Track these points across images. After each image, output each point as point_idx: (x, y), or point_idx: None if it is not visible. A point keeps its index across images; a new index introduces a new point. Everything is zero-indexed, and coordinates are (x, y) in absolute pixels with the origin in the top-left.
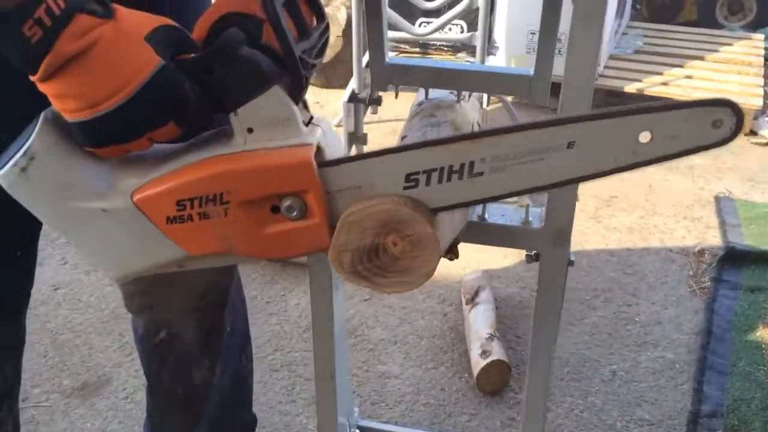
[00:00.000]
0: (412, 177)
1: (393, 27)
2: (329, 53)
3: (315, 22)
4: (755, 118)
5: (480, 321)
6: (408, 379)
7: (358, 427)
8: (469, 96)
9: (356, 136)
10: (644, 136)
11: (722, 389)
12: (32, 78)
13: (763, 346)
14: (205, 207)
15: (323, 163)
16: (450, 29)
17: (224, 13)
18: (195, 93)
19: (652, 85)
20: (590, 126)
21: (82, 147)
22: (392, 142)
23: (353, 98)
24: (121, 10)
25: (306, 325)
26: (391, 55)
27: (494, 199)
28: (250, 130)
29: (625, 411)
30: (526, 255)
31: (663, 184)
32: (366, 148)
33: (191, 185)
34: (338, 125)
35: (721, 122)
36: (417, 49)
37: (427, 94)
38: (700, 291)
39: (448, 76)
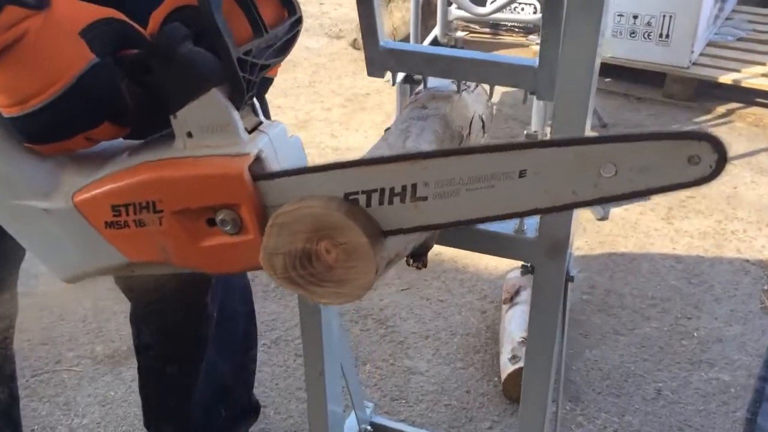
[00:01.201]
0: (350, 196)
1: (459, 5)
2: (404, 30)
3: (287, 15)
4: None
5: (515, 323)
6: (434, 377)
7: (371, 424)
8: (476, 86)
9: None
10: (607, 169)
11: None
12: None
13: None
14: (140, 214)
15: (259, 176)
16: (523, 9)
17: (179, 5)
18: (133, 93)
19: (751, 76)
20: (542, 154)
21: (23, 140)
22: None
23: (409, 79)
24: (59, 1)
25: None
26: (460, 35)
27: (441, 227)
28: (189, 135)
29: None
30: (522, 266)
31: (750, 186)
32: None
33: (125, 190)
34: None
35: (698, 158)
36: (487, 30)
37: (425, 82)
38: (765, 308)
39: (444, 63)
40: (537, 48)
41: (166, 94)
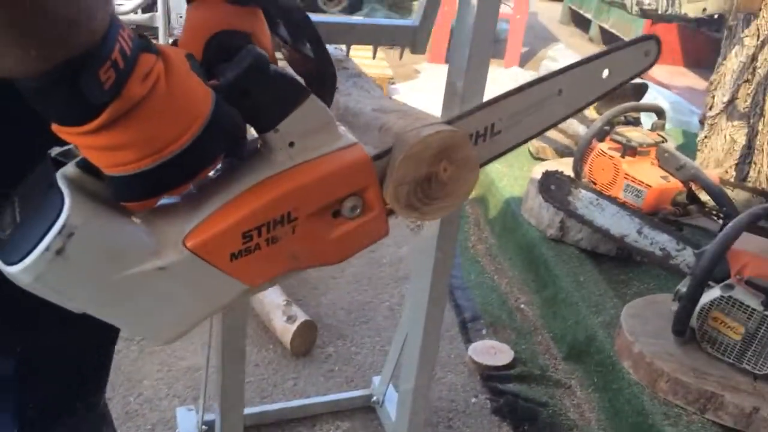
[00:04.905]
0: None
1: None
2: None
3: None
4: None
5: (269, 290)
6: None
7: (205, 423)
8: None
9: None
10: (605, 73)
11: (471, 299)
12: (74, 130)
13: (479, 259)
14: (274, 231)
15: (373, 157)
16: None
17: (215, 32)
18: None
19: None
20: (573, 73)
21: (120, 203)
22: None
23: None
24: (156, 43)
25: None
26: None
27: (504, 153)
28: (291, 144)
29: None
30: None
31: None
32: None
33: (257, 213)
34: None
35: (649, 51)
36: None
37: None
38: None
39: (340, 30)
40: None
41: (265, 112)
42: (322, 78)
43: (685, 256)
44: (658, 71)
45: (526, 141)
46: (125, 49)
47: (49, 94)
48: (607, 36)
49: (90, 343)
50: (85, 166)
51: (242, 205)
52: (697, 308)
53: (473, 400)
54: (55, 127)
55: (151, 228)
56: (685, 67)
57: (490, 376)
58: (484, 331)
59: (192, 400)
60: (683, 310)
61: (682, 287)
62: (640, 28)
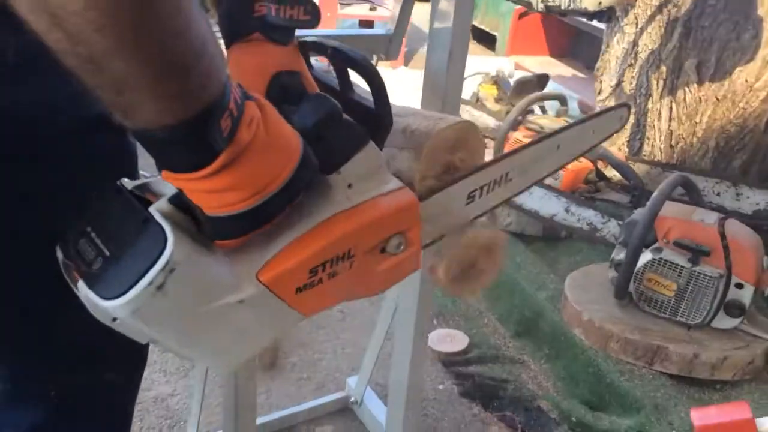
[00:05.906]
0: (471, 194)
1: None
2: None
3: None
4: None
5: None
6: (185, 391)
7: None
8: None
9: None
10: (591, 132)
11: None
12: (188, 176)
13: None
14: (335, 267)
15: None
16: None
17: (273, 73)
18: None
19: None
20: (570, 132)
21: (215, 240)
22: None
23: None
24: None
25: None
26: None
27: (513, 196)
28: (350, 186)
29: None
30: None
31: None
32: None
33: (324, 250)
34: None
35: (623, 117)
36: None
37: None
38: None
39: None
40: None
41: (332, 155)
42: (381, 124)
43: (610, 228)
44: (529, 62)
45: (530, 186)
46: (237, 98)
47: (176, 143)
48: (476, 33)
49: (121, 389)
50: (177, 202)
51: (310, 242)
52: (633, 272)
53: (440, 386)
54: (165, 174)
55: (229, 261)
56: (551, 57)
57: (451, 362)
58: (435, 321)
59: (168, 428)
60: (623, 275)
61: (617, 255)
62: (507, 24)
